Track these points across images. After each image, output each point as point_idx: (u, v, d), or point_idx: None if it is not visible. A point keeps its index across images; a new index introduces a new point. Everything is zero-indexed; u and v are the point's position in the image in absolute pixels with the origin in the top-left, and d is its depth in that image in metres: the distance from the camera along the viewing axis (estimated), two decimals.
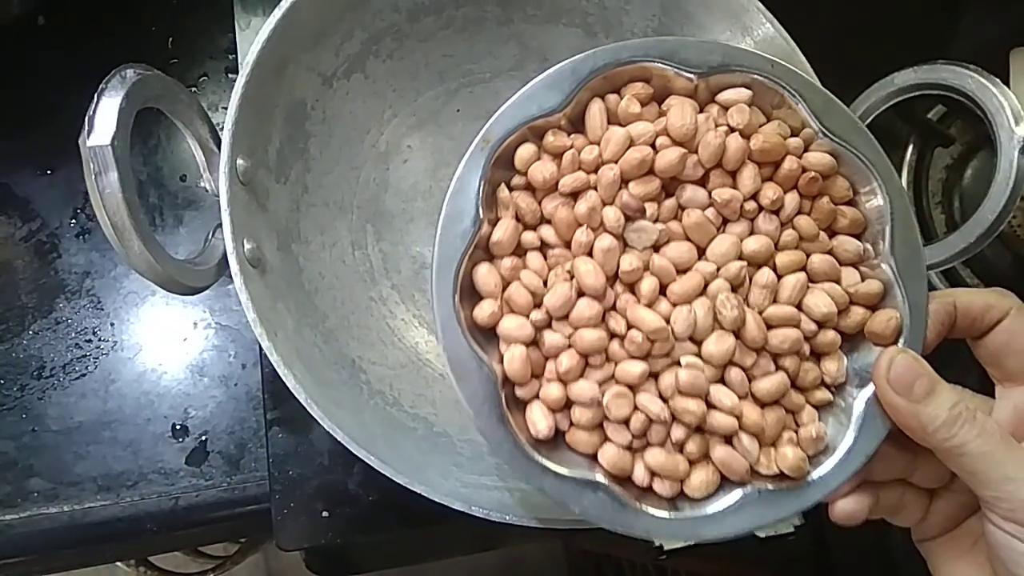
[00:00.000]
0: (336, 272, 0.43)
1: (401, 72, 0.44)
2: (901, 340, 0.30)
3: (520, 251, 0.30)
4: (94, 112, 0.30)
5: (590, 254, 0.29)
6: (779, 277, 0.30)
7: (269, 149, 0.39)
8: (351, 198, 0.44)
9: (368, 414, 0.39)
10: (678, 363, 0.29)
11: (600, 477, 0.29)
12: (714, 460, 0.30)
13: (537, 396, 0.30)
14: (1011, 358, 0.30)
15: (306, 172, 0.42)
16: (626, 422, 0.29)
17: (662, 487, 0.30)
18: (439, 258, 0.29)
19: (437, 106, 0.46)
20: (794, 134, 0.31)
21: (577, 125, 0.31)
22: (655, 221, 0.30)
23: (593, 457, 0.30)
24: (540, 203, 0.30)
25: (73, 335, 0.47)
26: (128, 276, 0.48)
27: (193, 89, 0.51)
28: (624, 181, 0.30)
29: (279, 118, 0.39)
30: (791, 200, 0.31)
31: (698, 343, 0.29)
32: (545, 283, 0.30)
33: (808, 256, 0.31)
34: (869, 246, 0.31)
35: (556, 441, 0.30)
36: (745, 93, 0.31)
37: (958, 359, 0.31)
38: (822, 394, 0.31)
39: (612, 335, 0.29)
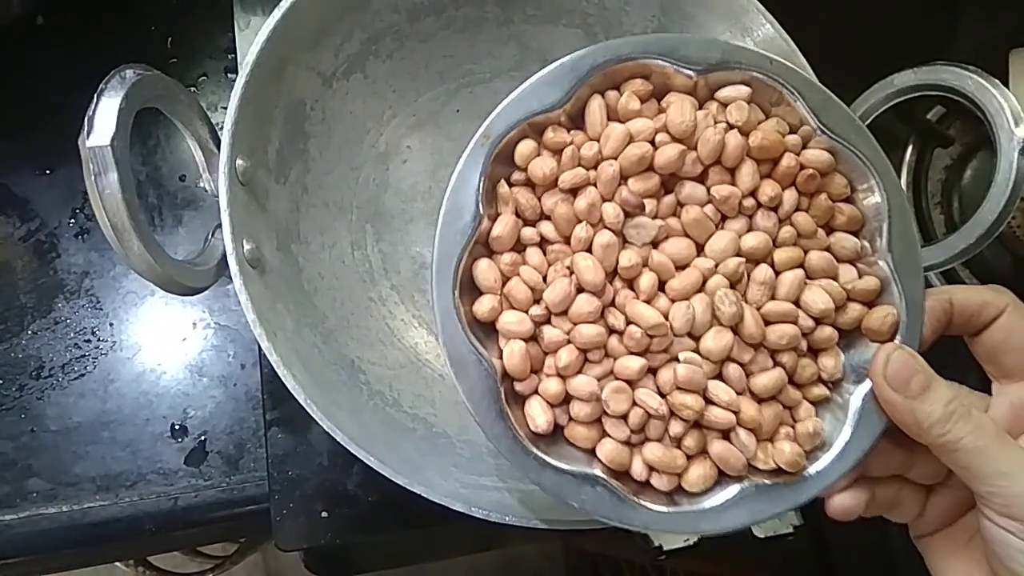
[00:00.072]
0: (336, 272, 0.43)
1: (401, 72, 0.44)
2: (898, 336, 0.30)
3: (520, 247, 0.30)
4: (94, 112, 0.30)
5: (589, 250, 0.30)
6: (777, 274, 0.30)
7: (269, 149, 0.39)
8: (351, 198, 0.44)
9: (367, 415, 0.39)
10: (676, 359, 0.29)
11: (598, 471, 0.30)
12: (711, 455, 0.30)
13: (536, 391, 0.30)
14: (1007, 355, 0.30)
15: (306, 172, 0.42)
16: (624, 417, 0.29)
17: (660, 481, 0.30)
18: (439, 254, 0.29)
19: (437, 106, 0.46)
20: (792, 131, 0.31)
21: (577, 121, 0.31)
22: (654, 217, 0.30)
23: (591, 452, 0.30)
24: (540, 199, 0.30)
25: (72, 335, 0.47)
26: (127, 276, 0.48)
27: (192, 89, 0.51)
28: (623, 177, 0.30)
29: (279, 118, 0.39)
30: (789, 197, 0.31)
31: (696, 339, 0.30)
32: (544, 279, 0.30)
33: (806, 253, 0.31)
34: (866, 243, 0.31)
35: (555, 436, 0.30)
36: (744, 90, 0.31)
37: (958, 357, 0.31)
38: (819, 390, 0.31)
39: (611, 331, 0.29)
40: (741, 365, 0.30)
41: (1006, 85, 0.38)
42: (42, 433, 0.46)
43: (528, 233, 0.30)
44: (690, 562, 0.64)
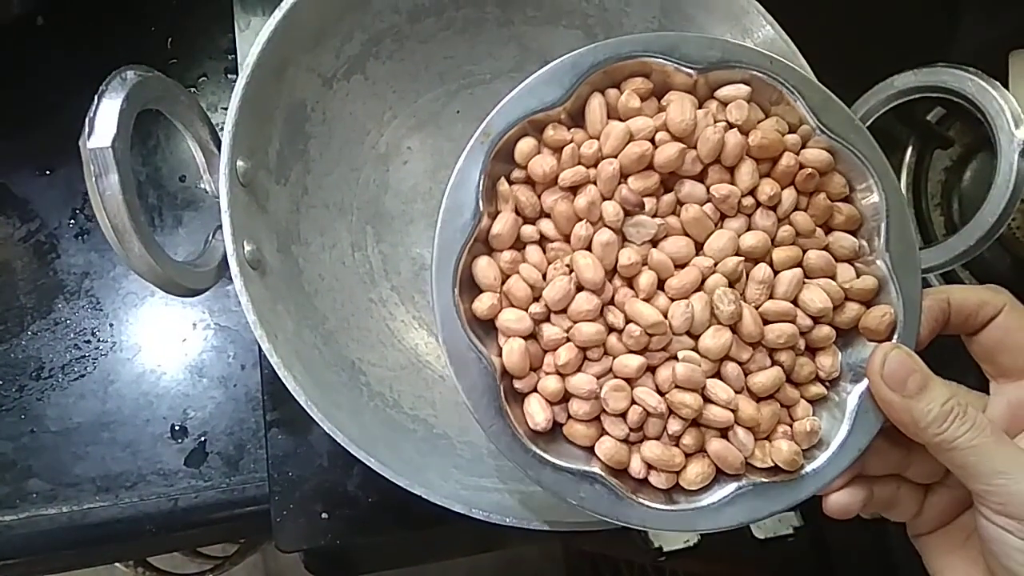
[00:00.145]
0: (336, 274, 0.43)
1: (401, 73, 0.44)
2: (895, 336, 0.30)
3: (519, 245, 0.30)
4: (94, 114, 0.30)
5: (589, 248, 0.30)
6: (775, 273, 0.31)
7: (269, 150, 0.39)
8: (351, 200, 0.44)
9: (368, 416, 0.39)
10: (675, 357, 0.29)
11: (597, 469, 0.30)
12: (710, 453, 0.30)
13: (535, 389, 0.30)
14: (1005, 354, 0.30)
15: (306, 173, 0.42)
16: (623, 415, 0.30)
17: (658, 479, 0.30)
18: (439, 251, 0.29)
19: (437, 107, 0.46)
20: (792, 130, 0.31)
21: (577, 119, 0.31)
22: (653, 216, 0.30)
23: (590, 449, 0.30)
24: (540, 197, 0.30)
25: (72, 336, 0.47)
26: (127, 277, 0.48)
27: (192, 89, 0.51)
28: (623, 176, 0.30)
29: (279, 119, 0.39)
30: (788, 196, 0.31)
31: (695, 337, 0.30)
32: (544, 277, 0.30)
33: (804, 252, 0.31)
34: (864, 242, 0.32)
35: (554, 434, 0.30)
36: (744, 89, 0.31)
37: (958, 357, 0.32)
38: (816, 389, 0.31)
39: (610, 329, 0.30)
40: (739, 364, 0.30)
41: (1006, 86, 0.38)
42: (42, 434, 0.46)
43: (528, 231, 0.30)
44: (690, 563, 0.64)
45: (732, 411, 0.29)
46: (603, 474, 0.30)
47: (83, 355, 0.47)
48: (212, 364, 0.47)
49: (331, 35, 0.40)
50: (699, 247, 0.30)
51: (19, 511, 0.45)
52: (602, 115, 0.30)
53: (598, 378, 0.29)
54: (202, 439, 0.46)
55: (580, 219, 0.30)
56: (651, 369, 0.30)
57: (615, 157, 0.30)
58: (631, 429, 0.30)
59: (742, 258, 0.30)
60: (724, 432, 0.30)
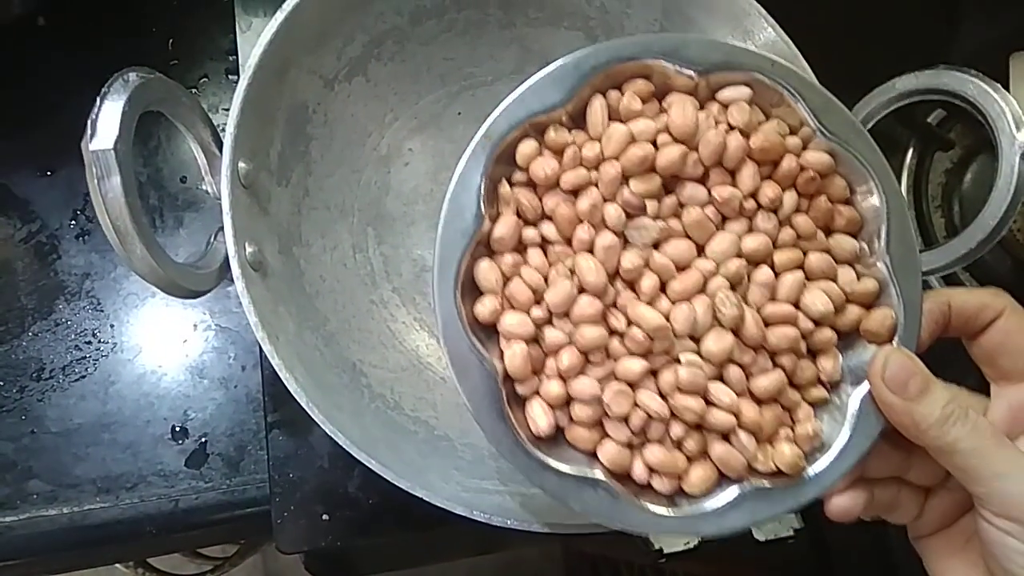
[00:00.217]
0: (337, 275, 0.43)
1: (402, 75, 0.44)
2: (896, 339, 0.30)
3: (520, 247, 0.30)
4: (97, 116, 0.30)
5: (591, 251, 0.29)
6: (776, 275, 0.30)
7: (271, 152, 0.39)
8: (352, 201, 0.44)
9: (369, 418, 0.39)
10: (677, 361, 0.29)
11: (599, 474, 0.29)
12: (712, 457, 0.30)
13: (537, 393, 0.30)
14: (1005, 357, 0.30)
15: (307, 175, 0.42)
16: (626, 419, 0.29)
17: (661, 484, 0.30)
18: (441, 254, 0.29)
19: (438, 109, 0.46)
20: (792, 133, 0.31)
21: (578, 121, 0.31)
22: (655, 219, 0.30)
23: (592, 454, 0.30)
24: (541, 199, 0.30)
25: (73, 337, 0.47)
26: (128, 278, 0.48)
27: (193, 90, 0.51)
28: (625, 178, 0.30)
29: (281, 121, 0.39)
30: (789, 199, 0.31)
31: (697, 341, 0.30)
32: (545, 280, 0.30)
33: (805, 254, 0.31)
34: (865, 245, 0.31)
35: (555, 438, 0.30)
36: (745, 91, 0.31)
37: (957, 360, 0.32)
38: (818, 392, 0.31)
39: (612, 332, 0.29)
40: (741, 367, 0.30)
41: (1006, 88, 0.38)
42: (42, 435, 0.46)
43: (529, 234, 0.30)
44: (690, 565, 0.64)
45: (735, 415, 0.29)
46: (606, 479, 0.29)
47: (84, 356, 0.47)
48: (213, 365, 0.48)
49: (333, 37, 0.40)
50: (700, 250, 0.30)
51: (20, 512, 0.45)
52: (603, 117, 0.30)
53: (600, 382, 0.29)
54: (203, 440, 0.46)
55: (582, 222, 0.29)
56: (653, 373, 0.30)
57: (617, 159, 0.30)
58: (633, 433, 0.29)
59: (744, 261, 0.30)
60: (726, 436, 0.30)
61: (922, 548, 0.32)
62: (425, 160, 0.46)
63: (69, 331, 0.47)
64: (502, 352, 0.30)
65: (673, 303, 0.29)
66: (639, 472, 0.30)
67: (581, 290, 0.29)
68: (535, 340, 0.30)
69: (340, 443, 0.33)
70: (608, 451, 0.30)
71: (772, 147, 0.30)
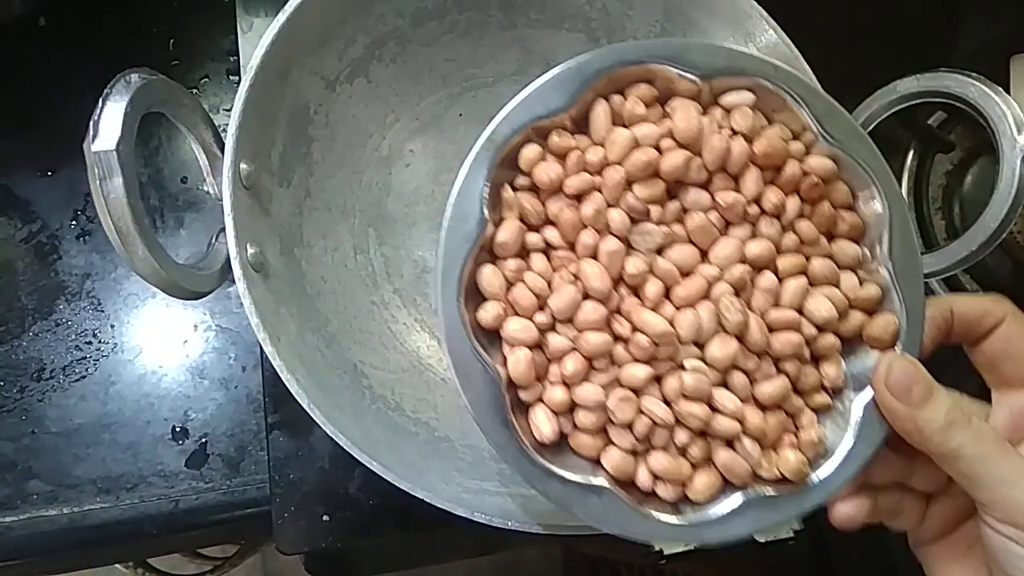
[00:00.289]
0: (338, 276, 0.43)
1: (404, 76, 0.44)
2: (898, 345, 0.30)
3: (523, 252, 0.30)
4: (99, 117, 0.30)
5: (595, 256, 0.29)
6: (780, 281, 0.30)
7: (272, 153, 0.39)
8: (353, 202, 0.44)
9: (370, 419, 0.39)
10: (681, 367, 0.29)
11: (603, 481, 0.29)
12: (717, 464, 0.30)
13: (540, 399, 0.30)
14: (1007, 363, 0.31)
15: (309, 176, 0.42)
16: (629, 426, 0.29)
17: (665, 491, 0.30)
18: (444, 260, 0.29)
19: (439, 110, 0.46)
20: (795, 138, 0.31)
21: (581, 126, 0.31)
22: (659, 224, 0.30)
23: (596, 461, 0.30)
24: (544, 204, 0.30)
25: (73, 337, 0.47)
26: (128, 278, 0.48)
27: (194, 91, 0.51)
28: (628, 183, 0.30)
29: (282, 122, 0.39)
30: (792, 204, 0.31)
31: (701, 347, 0.29)
32: (549, 285, 0.30)
33: (808, 260, 0.31)
34: (867, 250, 0.31)
35: (559, 444, 0.30)
36: (748, 96, 0.31)
37: (957, 365, 0.32)
38: (821, 398, 0.31)
39: (616, 338, 0.29)
40: (745, 373, 0.30)
41: (1007, 90, 0.38)
42: (43, 435, 0.46)
43: (532, 239, 0.30)
44: (690, 566, 0.64)
45: (739, 421, 0.29)
46: (610, 486, 0.29)
47: (84, 356, 0.47)
48: (213, 366, 0.47)
49: (334, 38, 0.40)
50: (703, 255, 0.30)
51: (20, 512, 0.45)
52: (607, 121, 0.30)
53: (604, 388, 0.29)
54: (203, 441, 0.46)
55: (586, 227, 0.29)
56: (656, 379, 0.29)
57: (620, 164, 0.29)
58: (638, 440, 0.29)
59: (748, 266, 0.30)
60: (730, 442, 0.30)
61: (923, 555, 0.32)
62: (426, 161, 0.46)
63: (69, 331, 0.47)
64: (505, 358, 0.29)
65: (677, 309, 0.29)
66: (643, 479, 0.30)
67: (585, 295, 0.29)
68: (538, 346, 0.30)
69: (341, 444, 0.33)
70: (612, 458, 0.29)
71: (776, 152, 0.30)
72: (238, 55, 0.48)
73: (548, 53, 0.45)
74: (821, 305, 0.30)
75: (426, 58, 0.44)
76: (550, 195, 0.30)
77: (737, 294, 0.30)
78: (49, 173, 0.49)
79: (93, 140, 0.30)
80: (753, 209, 0.30)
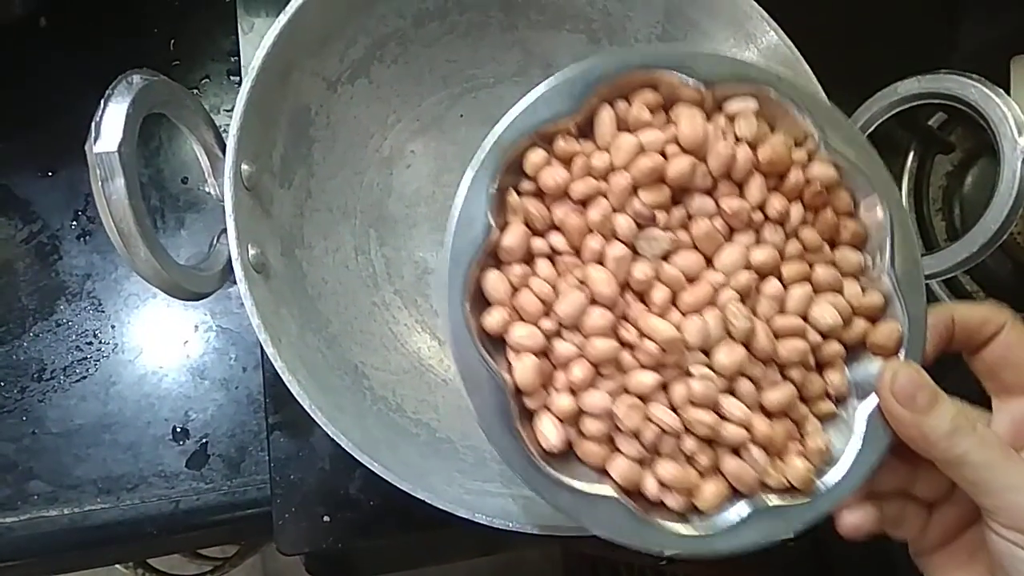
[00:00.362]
0: (339, 277, 0.43)
1: (405, 77, 0.44)
2: (901, 352, 0.30)
3: (528, 258, 0.30)
4: (101, 118, 0.30)
5: (601, 262, 0.29)
6: (785, 288, 0.30)
7: (273, 154, 0.39)
8: (354, 203, 0.44)
9: (371, 420, 0.39)
10: (688, 374, 0.29)
11: (610, 491, 0.29)
12: (725, 472, 0.29)
13: (546, 407, 0.29)
14: (1007, 371, 0.31)
15: (310, 177, 0.42)
16: (637, 434, 0.29)
17: (673, 500, 0.29)
18: (450, 265, 0.28)
19: (440, 111, 0.46)
20: (797, 145, 0.31)
21: (585, 131, 0.30)
22: (664, 230, 0.30)
23: (602, 470, 0.29)
24: (549, 209, 0.30)
25: (74, 337, 0.47)
26: (129, 278, 0.48)
27: (195, 91, 0.51)
28: (634, 189, 0.29)
29: (283, 123, 0.39)
30: (796, 211, 0.31)
31: (707, 353, 0.29)
32: (554, 291, 0.29)
33: (811, 267, 0.31)
34: (868, 259, 0.31)
35: (565, 453, 0.30)
36: (752, 104, 0.30)
37: (952, 374, 0.32)
38: (826, 406, 0.31)
39: (623, 344, 0.29)
40: (751, 380, 0.30)
41: (1007, 91, 0.38)
42: (43, 435, 0.46)
43: (538, 244, 0.29)
44: (690, 566, 0.64)
45: (746, 429, 0.29)
46: (618, 496, 0.29)
47: (85, 357, 0.47)
48: (214, 366, 0.47)
49: (336, 39, 0.40)
50: (708, 262, 0.30)
51: (20, 513, 0.45)
52: (612, 127, 0.30)
53: (611, 395, 0.29)
54: (203, 441, 0.46)
55: (592, 232, 0.29)
56: (663, 387, 0.29)
57: (626, 170, 0.29)
58: (645, 448, 0.29)
59: (754, 273, 0.30)
60: (737, 450, 0.30)
61: (925, 565, 0.32)
62: (427, 162, 0.46)
63: (70, 332, 0.47)
64: (509, 364, 0.29)
65: (684, 315, 0.29)
66: (651, 488, 0.29)
67: (592, 301, 0.29)
68: (544, 353, 0.29)
69: (342, 445, 0.33)
70: (619, 467, 0.29)
71: (780, 160, 0.30)
72: (239, 56, 0.48)
73: (549, 54, 0.45)
74: (826, 312, 0.30)
75: (427, 59, 0.44)
76: (555, 200, 0.30)
77: (743, 301, 0.30)
78: (50, 173, 0.49)
79: (95, 141, 0.30)
80: (757, 216, 0.30)
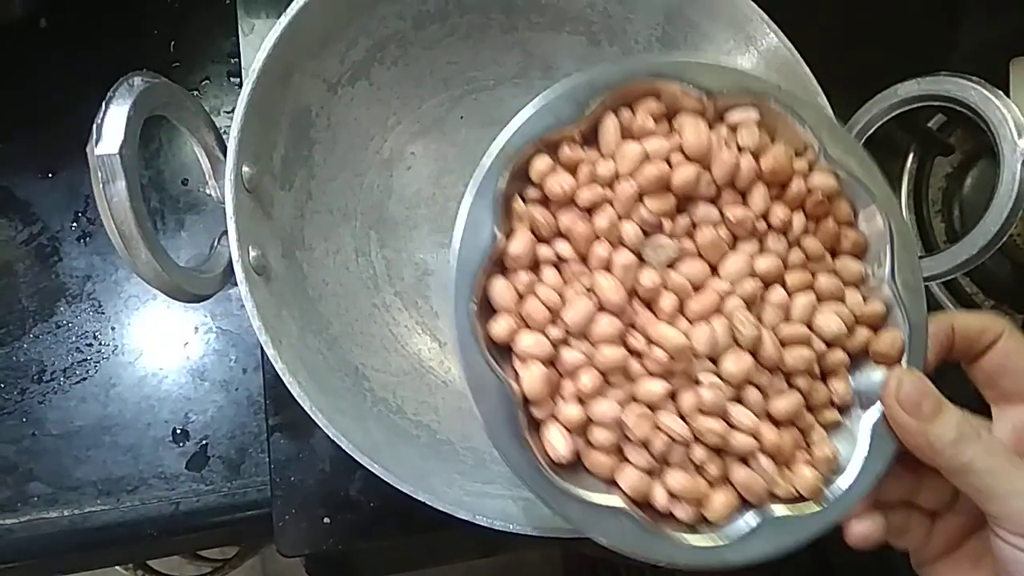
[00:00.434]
0: (340, 279, 0.43)
1: (405, 79, 0.44)
2: (903, 360, 0.31)
3: (534, 265, 0.29)
4: (102, 120, 0.30)
5: (608, 269, 0.29)
6: (789, 296, 0.30)
7: (274, 156, 0.39)
8: (355, 205, 0.44)
9: (372, 421, 0.39)
10: (696, 382, 0.29)
11: (619, 501, 0.29)
12: (734, 482, 0.29)
13: (554, 416, 0.29)
14: (1006, 379, 0.31)
15: (310, 179, 0.42)
16: (646, 443, 0.29)
17: (682, 511, 0.29)
18: (456, 273, 0.28)
19: (441, 113, 0.46)
20: (797, 155, 0.31)
21: (588, 139, 0.30)
22: (670, 238, 0.30)
23: (611, 481, 0.29)
24: (555, 216, 0.29)
25: (74, 339, 0.47)
26: (129, 280, 0.48)
27: (195, 93, 0.50)
28: (639, 196, 0.29)
29: (284, 125, 0.39)
30: (798, 221, 0.31)
31: (714, 362, 0.29)
32: (561, 298, 0.29)
33: (814, 276, 0.31)
34: (868, 268, 0.32)
35: (573, 463, 0.29)
36: (754, 114, 0.30)
37: (950, 382, 0.32)
38: (831, 414, 0.31)
39: (631, 352, 0.29)
40: (758, 388, 0.29)
41: (1006, 92, 0.38)
42: (43, 437, 0.46)
43: (544, 251, 0.29)
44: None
45: (755, 437, 0.29)
46: (627, 507, 0.29)
47: (85, 358, 0.47)
48: (214, 368, 0.47)
49: (336, 41, 0.40)
50: (713, 270, 0.30)
51: (20, 514, 0.45)
52: (617, 135, 0.30)
53: (620, 404, 0.28)
54: (204, 443, 0.46)
55: (599, 239, 0.29)
56: (671, 395, 0.29)
57: (632, 177, 0.29)
58: (654, 458, 0.29)
59: (759, 281, 0.30)
60: (745, 460, 0.29)
61: (928, 574, 0.32)
62: (427, 164, 0.46)
63: (70, 333, 0.47)
64: (516, 372, 0.29)
65: (691, 323, 0.29)
66: (660, 499, 0.29)
67: (600, 309, 0.28)
68: (551, 361, 0.29)
69: (343, 447, 0.33)
70: (628, 477, 0.29)
71: (782, 169, 0.30)
72: (239, 57, 0.48)
73: (548, 56, 0.45)
74: (831, 320, 0.30)
75: (427, 61, 0.44)
76: (561, 207, 0.30)
77: (748, 309, 0.29)
78: (50, 175, 0.49)
79: (96, 143, 0.30)
80: (760, 225, 0.30)
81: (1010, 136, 0.37)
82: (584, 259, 0.29)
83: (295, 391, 0.34)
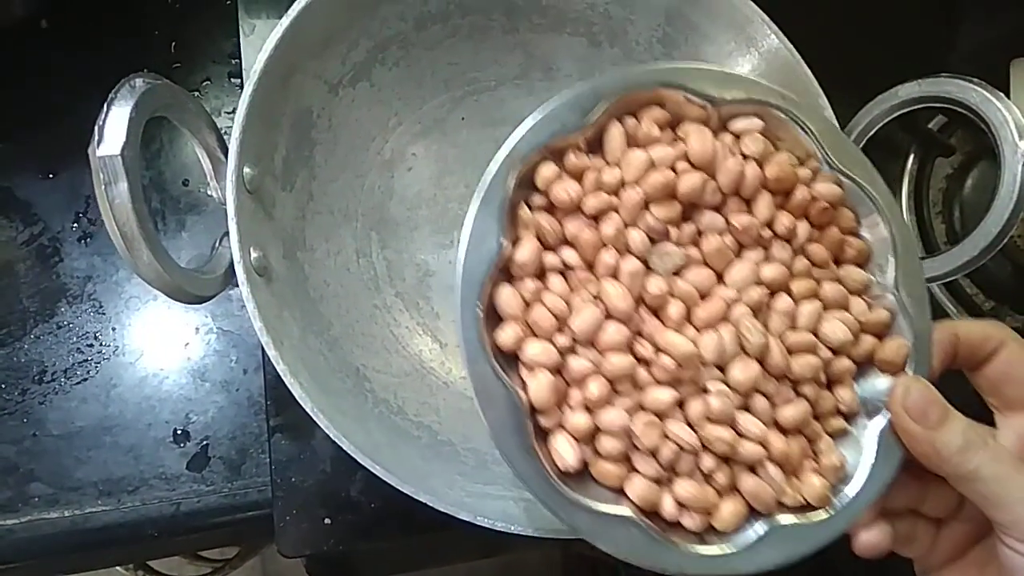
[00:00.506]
0: (341, 280, 0.43)
1: (407, 80, 0.44)
2: (908, 368, 0.31)
3: (540, 273, 0.29)
4: (104, 122, 0.30)
5: (615, 276, 0.29)
6: (795, 304, 0.30)
7: (275, 157, 0.39)
8: (356, 206, 0.44)
9: (373, 422, 0.39)
10: (704, 390, 0.29)
11: (627, 511, 0.29)
12: (743, 491, 0.29)
13: (561, 425, 0.29)
14: (1009, 386, 0.31)
15: (312, 180, 0.42)
16: (654, 452, 0.28)
17: (691, 521, 0.29)
18: (462, 281, 0.28)
19: (442, 114, 0.46)
20: (800, 163, 0.31)
21: (593, 147, 0.30)
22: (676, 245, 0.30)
23: (619, 490, 0.29)
24: (561, 224, 0.29)
25: (74, 339, 0.47)
26: (130, 281, 0.48)
27: (196, 94, 0.50)
28: (645, 204, 0.29)
29: (285, 126, 0.39)
30: (803, 228, 0.31)
31: (721, 369, 0.29)
32: (568, 306, 0.29)
33: (819, 284, 0.31)
34: (871, 276, 0.32)
35: (580, 473, 0.29)
36: (757, 123, 0.30)
37: (956, 385, 0.32)
38: (838, 422, 0.31)
39: (639, 360, 0.28)
40: (766, 396, 0.29)
41: (1007, 93, 0.39)
42: (44, 438, 0.46)
43: (550, 259, 0.29)
44: None
45: (763, 446, 0.29)
46: (635, 517, 0.28)
47: (85, 359, 0.47)
48: (215, 368, 0.47)
49: (338, 42, 0.40)
50: (719, 278, 0.30)
51: (21, 515, 0.45)
52: (622, 143, 0.30)
53: (628, 413, 0.28)
54: (204, 443, 0.46)
55: (606, 247, 0.29)
56: (679, 404, 0.29)
57: (638, 185, 0.29)
58: (662, 467, 0.29)
59: (766, 289, 0.30)
60: (753, 468, 0.29)
61: None
62: (429, 165, 0.46)
63: (71, 334, 0.47)
64: (523, 381, 0.28)
65: (698, 331, 0.29)
66: (669, 508, 0.29)
67: (607, 316, 0.28)
68: (557, 370, 0.29)
69: (344, 448, 0.33)
70: (637, 487, 0.28)
71: (786, 177, 0.30)
72: (240, 58, 0.48)
73: (549, 57, 0.45)
74: (837, 328, 0.30)
75: (429, 62, 0.44)
76: (567, 215, 0.29)
77: (755, 317, 0.29)
78: (50, 175, 0.49)
79: (98, 145, 0.30)
80: (766, 232, 0.30)
81: (1011, 137, 0.37)
82: (591, 267, 0.29)
83: (296, 392, 0.34)
